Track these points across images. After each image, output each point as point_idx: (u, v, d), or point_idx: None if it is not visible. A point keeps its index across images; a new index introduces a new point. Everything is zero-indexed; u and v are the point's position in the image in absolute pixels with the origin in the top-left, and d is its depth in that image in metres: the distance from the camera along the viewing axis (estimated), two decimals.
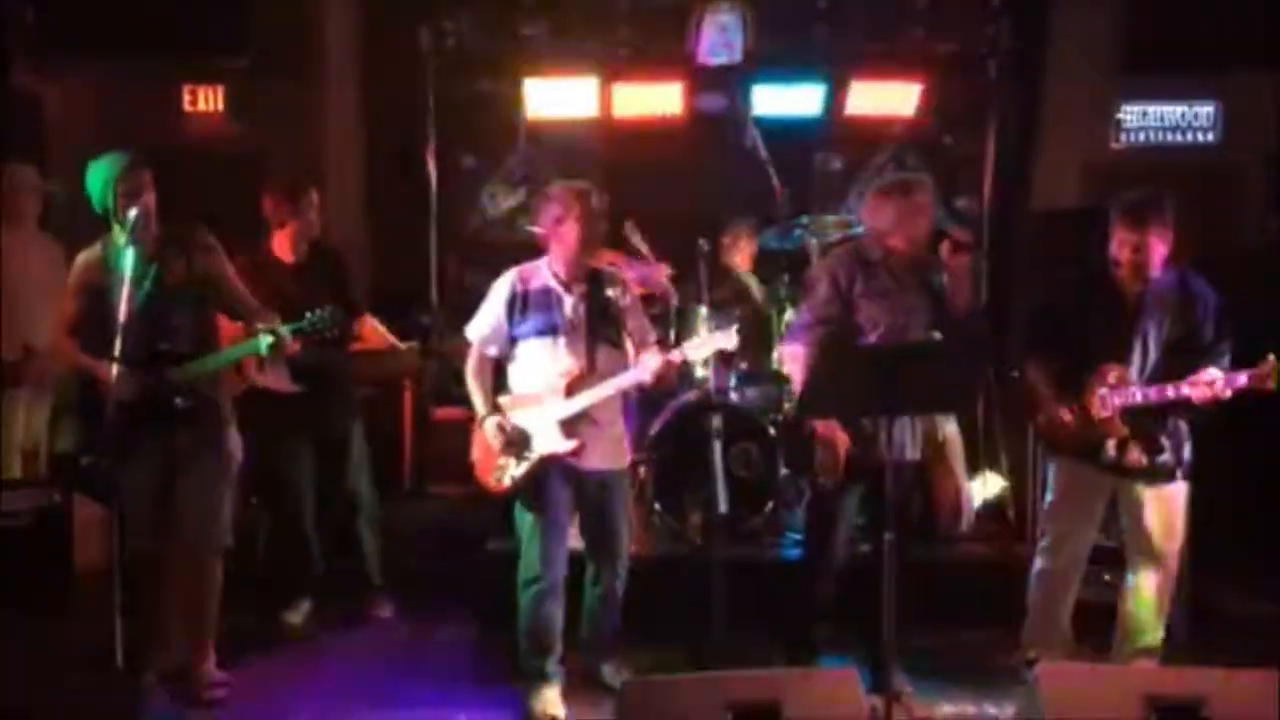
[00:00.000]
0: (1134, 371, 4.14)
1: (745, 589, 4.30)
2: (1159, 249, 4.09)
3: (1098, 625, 4.41)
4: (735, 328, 4.17)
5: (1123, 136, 6.88)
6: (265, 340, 4.09)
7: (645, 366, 4.02)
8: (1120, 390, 4.11)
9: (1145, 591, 4.25)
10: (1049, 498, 4.42)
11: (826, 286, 4.22)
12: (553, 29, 6.68)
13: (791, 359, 4.31)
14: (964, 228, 7.01)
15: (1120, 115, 6.87)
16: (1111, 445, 4.16)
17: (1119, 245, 4.12)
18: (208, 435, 4.27)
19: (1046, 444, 4.44)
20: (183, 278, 4.18)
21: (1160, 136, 6.88)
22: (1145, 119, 6.87)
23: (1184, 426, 4.21)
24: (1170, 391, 4.03)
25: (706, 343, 3.98)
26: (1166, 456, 4.17)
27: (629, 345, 4.21)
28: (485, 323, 4.28)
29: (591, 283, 4.21)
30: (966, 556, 5.22)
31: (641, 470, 5.30)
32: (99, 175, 4.08)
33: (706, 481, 4.18)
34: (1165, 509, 4.20)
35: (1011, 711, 4.21)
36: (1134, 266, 4.10)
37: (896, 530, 3.71)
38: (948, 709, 4.31)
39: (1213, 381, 3.94)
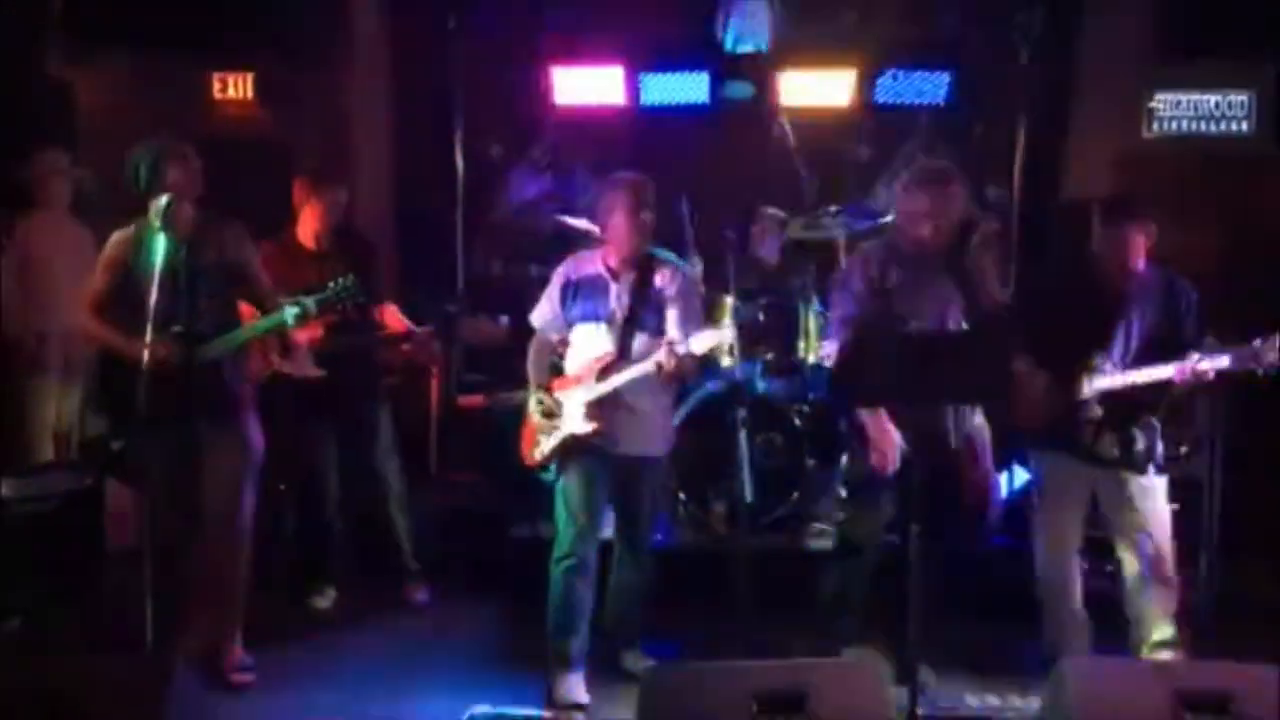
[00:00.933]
0: (1116, 358, 4.18)
1: (770, 579, 4.30)
2: (1140, 243, 4.15)
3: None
4: (735, 325, 4.19)
5: (1155, 125, 6.79)
6: (291, 311, 4.13)
7: (653, 358, 4.04)
8: (1101, 372, 4.15)
9: (1138, 582, 4.25)
10: (1035, 490, 4.45)
11: (860, 280, 4.21)
12: (580, 16, 6.67)
13: (834, 355, 4.25)
14: (994, 217, 6.98)
15: (1153, 104, 6.78)
16: (1088, 432, 4.17)
17: (1100, 240, 4.20)
18: (229, 422, 4.31)
19: (1026, 436, 4.45)
20: (212, 262, 4.22)
21: (1194, 126, 6.78)
22: (1179, 108, 6.78)
23: (1156, 422, 4.21)
24: (1151, 371, 4.05)
25: (707, 337, 3.98)
26: (1140, 447, 4.17)
27: (674, 332, 4.21)
28: (544, 308, 4.42)
29: (642, 271, 4.26)
30: (993, 548, 5.19)
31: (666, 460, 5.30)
32: (145, 157, 4.12)
33: (731, 471, 4.17)
34: (1143, 500, 4.22)
35: (1038, 705, 4.19)
36: (1116, 261, 4.17)
37: (932, 523, 3.68)
38: (973, 702, 4.30)
39: (1194, 361, 3.94)
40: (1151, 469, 4.22)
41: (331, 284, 4.30)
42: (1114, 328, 4.19)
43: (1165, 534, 4.25)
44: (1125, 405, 4.15)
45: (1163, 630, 4.26)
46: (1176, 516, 4.96)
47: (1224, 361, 3.94)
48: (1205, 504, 4.88)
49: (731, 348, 4.82)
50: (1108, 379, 4.14)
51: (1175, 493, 4.97)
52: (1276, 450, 5.35)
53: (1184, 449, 5.01)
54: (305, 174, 5.09)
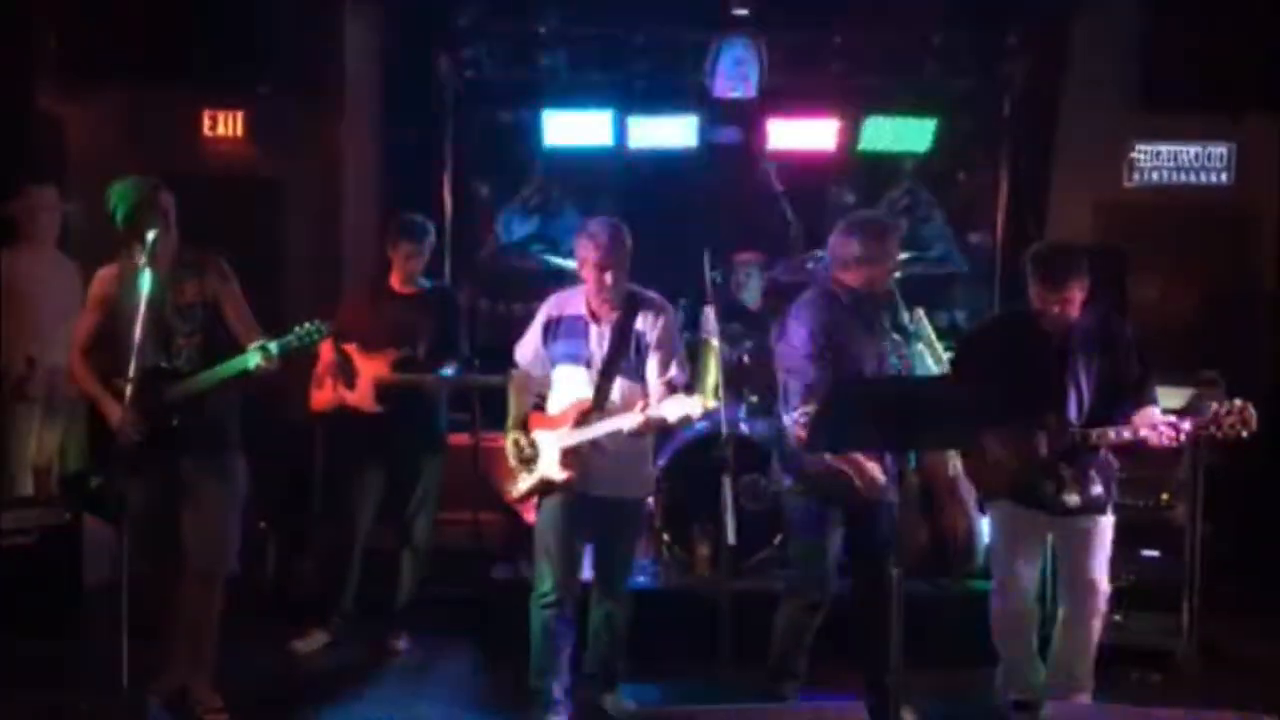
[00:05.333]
0: (1072, 413, 4.17)
1: (753, 621, 4.29)
2: (1078, 296, 4.13)
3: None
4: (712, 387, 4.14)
5: (1135, 176, 6.89)
6: (253, 357, 4.07)
7: (624, 420, 4.03)
8: (1066, 432, 4.13)
9: (1078, 623, 4.25)
10: (988, 542, 4.44)
11: (807, 340, 4.15)
12: (570, 60, 6.74)
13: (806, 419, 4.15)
14: (977, 263, 7.06)
15: (1134, 154, 6.88)
16: (1049, 485, 4.17)
17: (1040, 300, 4.16)
18: (212, 459, 4.25)
19: (981, 489, 4.46)
20: (193, 299, 4.20)
21: (1174, 176, 6.88)
22: (1159, 159, 6.88)
23: (1113, 460, 4.26)
24: (1127, 433, 4.07)
25: (681, 405, 3.96)
26: (1099, 490, 4.19)
27: (653, 379, 4.20)
28: (526, 344, 4.41)
29: (625, 313, 4.23)
30: (976, 592, 5.19)
31: (650, 501, 5.29)
32: (122, 196, 4.12)
33: (715, 513, 4.17)
34: (1096, 541, 4.22)
35: None
36: (1055, 317, 4.15)
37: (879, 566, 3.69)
38: None
39: (1173, 426, 3.99)
40: (1109, 508, 4.24)
41: (296, 326, 4.20)
42: (1064, 381, 4.17)
43: (1106, 575, 4.25)
44: (1084, 454, 4.16)
45: (1085, 667, 4.26)
46: (1158, 564, 5.01)
47: (1186, 426, 4.01)
48: (1187, 551, 4.90)
49: (716, 389, 4.83)
50: (1077, 439, 4.12)
51: (1156, 540, 5.02)
52: (1254, 501, 5.38)
53: (1165, 497, 5.04)
54: (387, 226, 5.25)
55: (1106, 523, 4.25)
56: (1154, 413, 4.10)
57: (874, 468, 4.11)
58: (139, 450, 4.04)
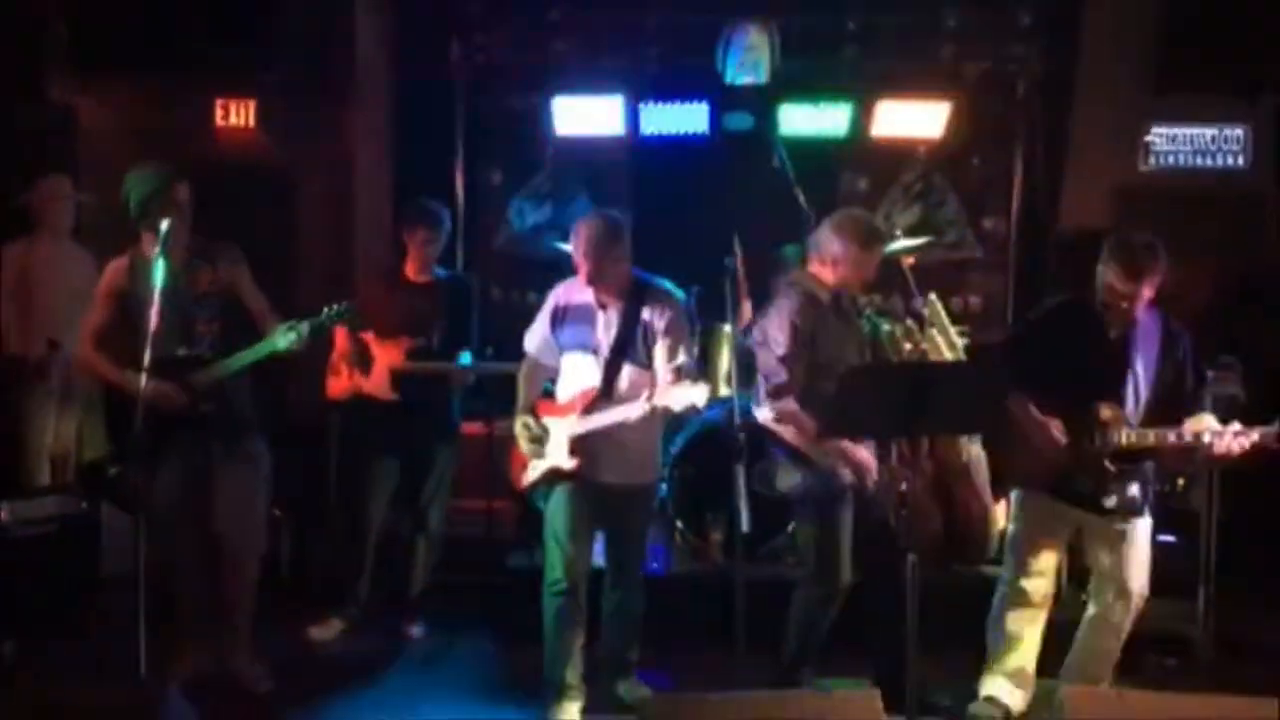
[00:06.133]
0: (1129, 410, 4.10)
1: (767, 608, 4.29)
2: (1148, 294, 4.06)
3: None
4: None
5: (1152, 159, 6.84)
6: (285, 337, 4.14)
7: (633, 409, 4.02)
8: (1123, 428, 4.05)
9: (1107, 624, 4.22)
10: (1013, 527, 4.39)
11: (788, 339, 4.14)
12: (581, 46, 6.72)
13: (790, 417, 4.19)
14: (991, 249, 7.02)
15: (1150, 138, 6.83)
16: (1088, 482, 4.11)
17: (1110, 292, 4.07)
18: (239, 443, 4.36)
19: (1019, 475, 4.35)
20: (209, 288, 4.25)
21: (1190, 160, 6.83)
22: (1175, 142, 6.83)
23: (1151, 465, 4.19)
24: (1188, 436, 3.98)
25: (686, 394, 3.95)
26: (1135, 492, 4.13)
27: (660, 368, 4.20)
28: (535, 332, 4.41)
29: (631, 301, 4.22)
30: (989, 580, 5.18)
31: (663, 488, 5.30)
32: (137, 186, 4.14)
33: (729, 500, 4.17)
34: (1133, 545, 4.17)
35: None
36: (1121, 311, 4.08)
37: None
38: None
39: (1244, 434, 3.93)
40: (1147, 509, 4.19)
41: (326, 308, 4.30)
42: (1122, 377, 4.11)
43: (1145, 579, 4.20)
44: (1131, 456, 4.10)
45: (1108, 666, 4.24)
46: (1174, 549, 4.98)
47: (1254, 436, 3.94)
48: (1202, 537, 4.88)
49: (729, 376, 4.83)
50: (1133, 436, 4.04)
51: (1172, 525, 4.99)
52: (1272, 488, 5.34)
53: (1180, 482, 5.01)
54: (402, 214, 5.25)
55: (1144, 526, 4.19)
56: (1209, 420, 4.00)
57: (864, 454, 4.12)
58: (161, 437, 4.09)
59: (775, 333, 4.19)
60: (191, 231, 4.25)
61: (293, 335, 4.15)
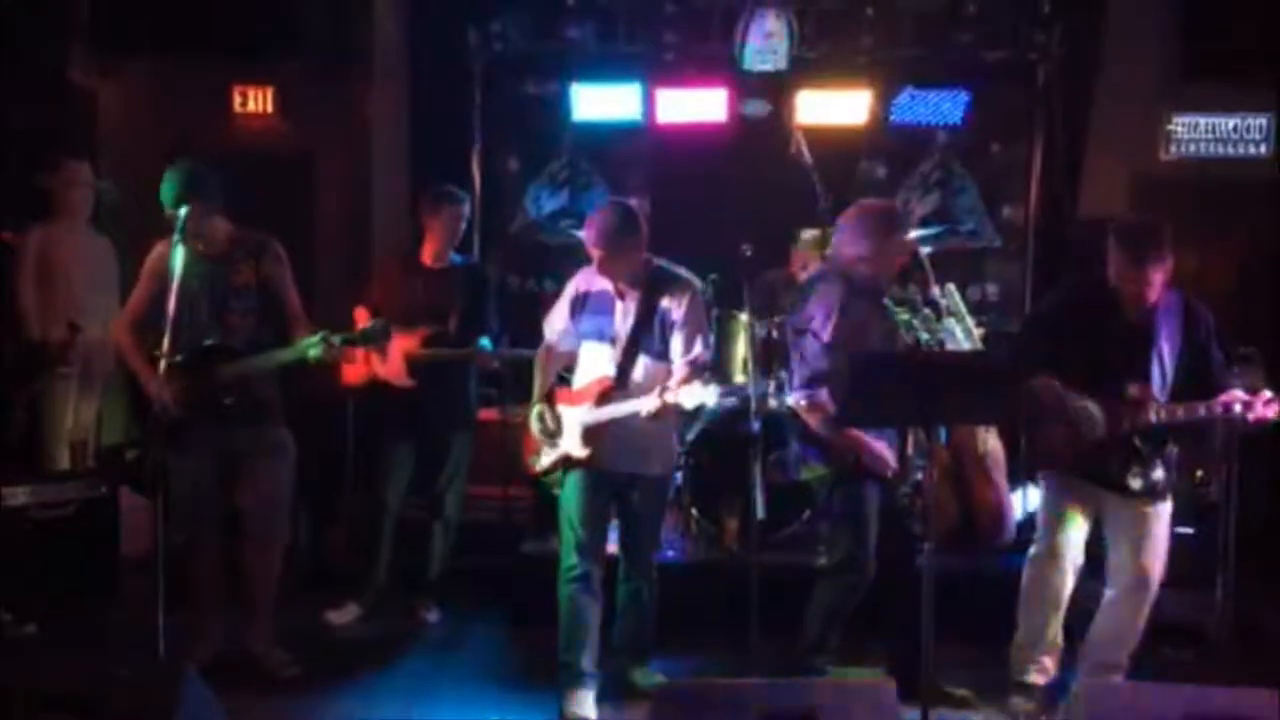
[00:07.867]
0: (1156, 391, 4.08)
1: (782, 595, 4.29)
2: (1159, 279, 4.03)
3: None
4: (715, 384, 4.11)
5: (1173, 148, 6.79)
6: (316, 348, 4.18)
7: (645, 403, 4.01)
8: (1153, 406, 4.03)
9: (1125, 608, 4.21)
10: (1041, 506, 4.39)
11: (833, 328, 4.13)
12: (598, 33, 6.70)
13: (822, 407, 4.15)
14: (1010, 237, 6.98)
15: (1171, 126, 6.78)
16: (1115, 462, 4.10)
17: (1118, 277, 4.06)
18: (265, 432, 4.41)
19: (1042, 456, 4.33)
20: (248, 281, 4.30)
21: (1212, 149, 6.78)
22: (1196, 130, 6.77)
23: (1174, 449, 4.18)
24: (1219, 408, 3.97)
25: (697, 394, 3.94)
26: (1160, 475, 4.12)
27: (677, 358, 4.19)
28: (555, 318, 4.42)
29: (649, 291, 4.21)
30: (1008, 568, 5.17)
31: (678, 476, 5.30)
32: (171, 178, 4.18)
33: (744, 488, 4.17)
34: (1152, 530, 4.16)
35: None
36: (1135, 295, 4.07)
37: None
38: None
39: (1274, 400, 3.92)
40: (1169, 494, 4.19)
41: (364, 328, 4.37)
42: (1146, 358, 4.09)
43: (1162, 563, 4.20)
44: (1158, 437, 4.09)
45: (1125, 651, 4.23)
46: (1192, 540, 4.96)
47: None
48: (1221, 527, 4.85)
49: (745, 364, 4.82)
50: (1163, 412, 4.02)
51: (1192, 516, 4.96)
52: None
53: (1200, 473, 4.98)
54: (424, 197, 5.24)
55: (1165, 510, 4.18)
56: (1239, 394, 3.98)
57: (880, 445, 4.12)
58: (183, 425, 4.14)
59: (821, 320, 4.18)
60: (235, 225, 4.31)
61: (322, 347, 4.18)
